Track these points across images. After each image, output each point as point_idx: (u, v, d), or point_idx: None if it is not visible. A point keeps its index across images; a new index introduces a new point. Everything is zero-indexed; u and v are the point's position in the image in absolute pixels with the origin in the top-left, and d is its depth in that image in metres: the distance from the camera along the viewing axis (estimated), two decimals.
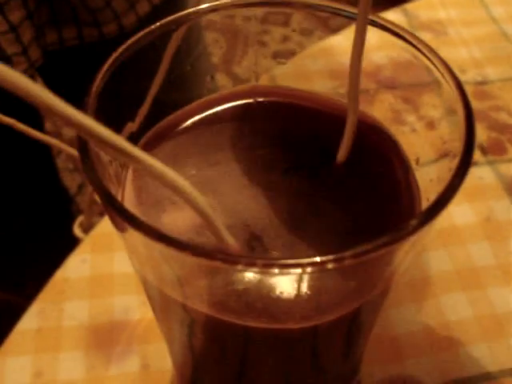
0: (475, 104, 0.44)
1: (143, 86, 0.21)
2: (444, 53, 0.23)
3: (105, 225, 0.37)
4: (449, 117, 0.22)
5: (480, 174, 0.39)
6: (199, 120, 0.20)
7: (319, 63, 0.39)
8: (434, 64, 0.20)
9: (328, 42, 0.50)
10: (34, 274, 0.75)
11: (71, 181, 1.37)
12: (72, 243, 0.40)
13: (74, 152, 0.35)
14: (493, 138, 0.41)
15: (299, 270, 0.12)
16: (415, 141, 0.25)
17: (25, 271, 0.80)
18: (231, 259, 0.12)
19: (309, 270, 0.12)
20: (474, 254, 0.34)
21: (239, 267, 0.12)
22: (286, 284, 0.13)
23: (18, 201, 0.71)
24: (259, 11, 0.25)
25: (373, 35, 0.27)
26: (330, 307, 0.14)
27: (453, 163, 0.16)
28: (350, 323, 0.16)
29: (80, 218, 0.41)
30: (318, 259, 0.12)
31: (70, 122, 0.13)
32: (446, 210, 0.38)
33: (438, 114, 0.24)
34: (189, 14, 0.20)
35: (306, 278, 0.13)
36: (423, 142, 0.24)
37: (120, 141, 0.13)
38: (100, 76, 0.16)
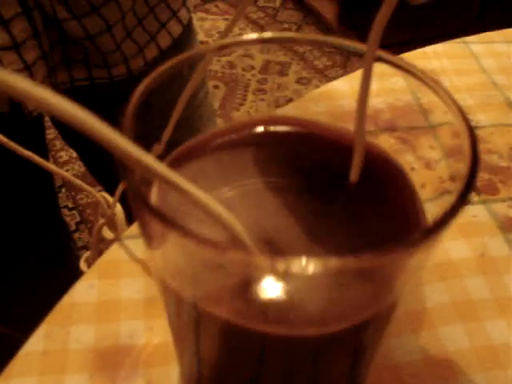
0: None
1: (167, 112, 0.23)
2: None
3: (112, 252, 0.38)
4: (447, 158, 0.24)
5: (474, 213, 0.40)
6: (218, 145, 0.22)
7: (320, 106, 0.41)
8: (440, 96, 0.21)
9: (326, 87, 0.53)
10: (33, 307, 0.75)
11: (70, 219, 1.38)
12: (71, 278, 0.40)
13: (75, 180, 0.36)
14: (486, 179, 0.43)
15: (320, 267, 0.13)
16: (415, 178, 0.26)
17: (24, 305, 0.80)
18: (257, 257, 0.13)
19: (328, 266, 0.13)
20: (470, 288, 0.35)
21: (265, 263, 0.13)
22: (305, 288, 0.15)
23: (16, 235, 0.71)
24: (259, 61, 0.27)
25: (372, 81, 0.29)
26: (346, 315, 0.15)
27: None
28: (361, 333, 0.17)
29: (86, 254, 0.42)
30: (337, 257, 0.13)
31: (109, 144, 0.14)
32: (443, 246, 0.39)
33: (436, 156, 0.25)
34: (210, 48, 0.21)
35: (323, 281, 0.14)
36: (422, 179, 0.26)
37: (155, 161, 0.14)
38: (134, 100, 0.18)
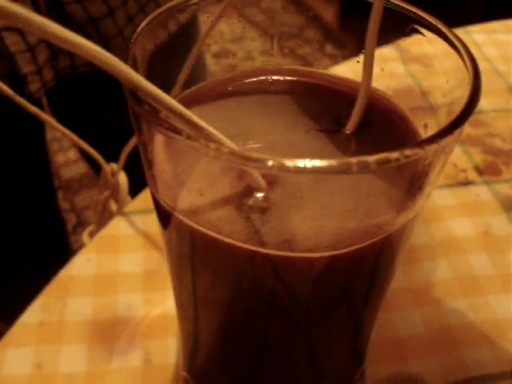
0: (471, 131, 0.46)
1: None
2: (435, 82, 0.25)
3: (113, 226, 0.37)
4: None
5: (477, 192, 0.40)
6: (226, 89, 0.21)
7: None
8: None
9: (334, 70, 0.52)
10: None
11: (67, 221, 1.37)
12: None
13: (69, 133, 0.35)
14: (488, 160, 0.43)
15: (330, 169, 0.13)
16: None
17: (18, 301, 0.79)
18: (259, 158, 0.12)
19: (337, 170, 0.13)
20: (474, 264, 0.35)
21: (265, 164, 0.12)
22: (311, 199, 0.14)
23: (15, 237, 0.71)
24: (259, 65, 0.26)
25: (374, 66, 0.29)
26: (355, 233, 0.15)
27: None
28: (373, 257, 0.17)
29: (90, 227, 0.42)
30: (346, 159, 0.12)
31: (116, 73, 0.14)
32: (446, 223, 0.39)
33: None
34: None
35: (332, 187, 0.14)
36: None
37: (164, 95, 0.14)
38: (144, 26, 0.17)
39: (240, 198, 0.15)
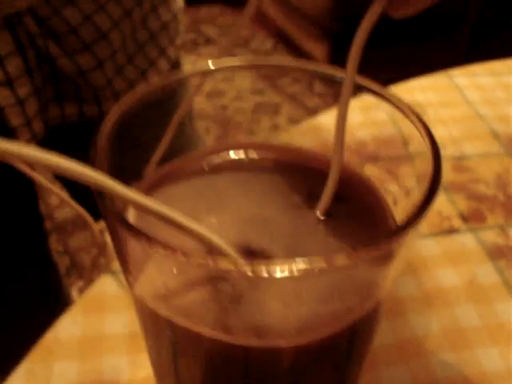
0: (455, 177, 0.46)
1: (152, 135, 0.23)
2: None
3: (98, 286, 0.37)
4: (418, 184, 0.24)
5: (462, 240, 0.40)
6: (201, 166, 0.22)
7: (306, 138, 0.42)
8: (409, 118, 0.22)
9: (313, 121, 0.53)
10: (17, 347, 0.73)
11: (60, 263, 1.37)
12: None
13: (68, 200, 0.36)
14: (473, 207, 0.43)
15: (294, 269, 0.13)
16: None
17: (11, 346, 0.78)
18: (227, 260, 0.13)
19: (300, 268, 0.13)
20: (460, 316, 0.35)
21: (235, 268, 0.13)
22: (280, 295, 0.14)
23: (6, 278, 0.71)
24: (251, 102, 0.27)
25: (356, 114, 0.30)
26: (322, 323, 0.15)
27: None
28: (347, 338, 0.17)
29: (79, 283, 0.42)
30: (314, 258, 0.13)
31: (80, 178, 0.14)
32: (432, 274, 0.39)
33: (412, 183, 0.25)
34: (193, 74, 0.22)
35: (298, 286, 0.14)
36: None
37: (129, 191, 0.14)
38: (110, 121, 0.18)
39: (209, 293, 0.15)
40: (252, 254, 0.16)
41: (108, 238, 0.40)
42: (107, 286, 0.37)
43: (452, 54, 2.12)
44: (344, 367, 0.19)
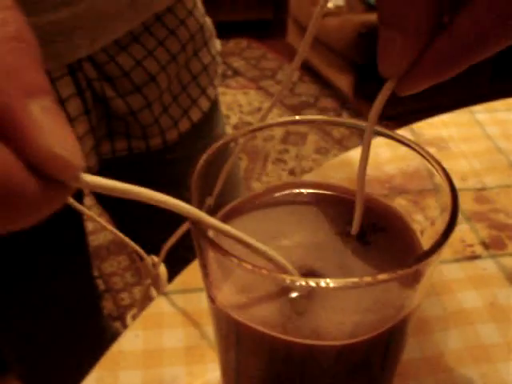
0: (476, 207, 0.50)
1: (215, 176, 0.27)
2: (446, 164, 0.29)
3: (154, 306, 0.42)
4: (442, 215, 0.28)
5: (484, 266, 0.44)
6: (261, 202, 0.26)
7: (339, 173, 0.46)
8: (432, 165, 0.26)
9: (344, 156, 0.58)
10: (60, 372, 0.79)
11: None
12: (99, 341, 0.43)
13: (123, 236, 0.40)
14: (493, 235, 0.47)
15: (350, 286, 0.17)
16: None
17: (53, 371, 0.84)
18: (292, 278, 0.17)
19: (351, 284, 0.17)
20: (482, 334, 0.39)
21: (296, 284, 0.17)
22: (336, 305, 0.19)
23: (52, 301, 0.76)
24: (279, 131, 0.32)
25: (385, 150, 0.34)
26: (367, 328, 0.19)
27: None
28: (384, 342, 0.21)
29: (133, 311, 0.47)
30: (364, 278, 0.17)
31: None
32: (456, 296, 0.43)
33: (436, 214, 0.29)
34: (253, 129, 0.26)
35: (350, 297, 0.18)
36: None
37: (219, 223, 0.19)
38: (199, 165, 0.23)
39: (279, 301, 0.19)
40: (309, 273, 0.21)
41: (160, 270, 0.45)
42: (162, 306, 0.42)
43: (475, 85, 2.16)
44: (381, 368, 0.23)
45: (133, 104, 0.61)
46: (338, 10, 2.58)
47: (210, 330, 0.40)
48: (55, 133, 0.12)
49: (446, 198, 0.25)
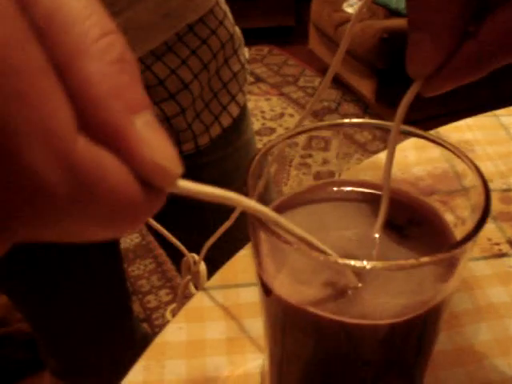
0: (502, 207, 0.52)
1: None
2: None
3: (195, 301, 0.44)
4: (473, 214, 0.30)
5: (510, 263, 0.45)
6: (309, 198, 0.29)
7: (368, 175, 0.48)
8: (464, 162, 0.28)
9: (371, 159, 0.60)
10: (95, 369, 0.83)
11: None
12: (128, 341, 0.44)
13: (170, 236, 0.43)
14: None
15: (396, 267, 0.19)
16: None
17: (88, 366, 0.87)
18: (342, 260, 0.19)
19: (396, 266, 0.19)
20: (510, 326, 0.40)
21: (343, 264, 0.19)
22: (382, 286, 0.21)
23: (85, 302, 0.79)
24: (303, 137, 0.33)
25: (413, 153, 0.36)
26: (409, 309, 0.21)
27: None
28: (422, 324, 0.23)
29: (172, 306, 0.49)
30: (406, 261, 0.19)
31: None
32: (484, 292, 0.45)
33: (466, 213, 0.31)
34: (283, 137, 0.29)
35: (394, 279, 0.21)
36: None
37: (274, 214, 0.21)
38: (253, 164, 0.25)
39: (328, 284, 0.22)
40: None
41: (200, 267, 0.47)
42: (203, 300, 0.44)
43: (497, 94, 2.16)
44: (417, 350, 0.25)
45: (167, 111, 0.64)
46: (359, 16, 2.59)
47: (249, 323, 0.42)
48: (157, 144, 0.14)
49: (477, 196, 0.27)
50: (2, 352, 1.30)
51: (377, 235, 0.26)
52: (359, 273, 0.21)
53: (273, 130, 2.36)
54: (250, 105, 2.58)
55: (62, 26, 0.12)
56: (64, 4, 0.12)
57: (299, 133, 0.30)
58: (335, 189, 0.29)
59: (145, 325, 1.55)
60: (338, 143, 0.38)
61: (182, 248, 0.45)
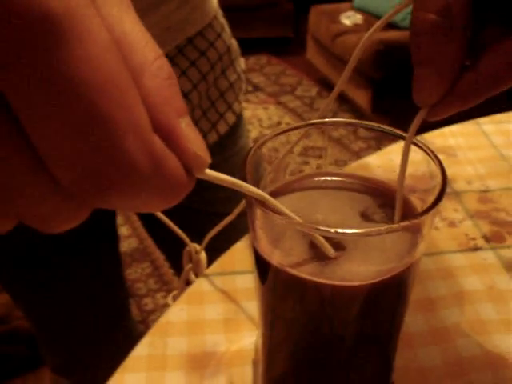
0: (480, 206, 0.56)
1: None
2: (453, 169, 0.34)
3: (197, 286, 0.48)
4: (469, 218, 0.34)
5: (484, 256, 0.50)
6: (300, 185, 0.33)
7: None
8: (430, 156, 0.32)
9: (361, 161, 0.64)
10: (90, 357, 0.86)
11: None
12: (127, 339, 0.47)
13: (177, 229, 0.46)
14: (494, 230, 0.53)
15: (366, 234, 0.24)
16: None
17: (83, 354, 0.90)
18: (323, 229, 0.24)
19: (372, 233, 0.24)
20: (481, 312, 0.44)
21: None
22: (360, 251, 0.25)
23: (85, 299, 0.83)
24: (299, 146, 0.37)
25: (398, 157, 0.40)
26: (384, 271, 0.26)
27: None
28: (395, 287, 0.27)
29: (174, 292, 0.53)
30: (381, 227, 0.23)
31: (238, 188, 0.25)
32: (459, 280, 0.49)
33: (459, 216, 0.35)
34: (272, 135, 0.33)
35: (370, 244, 0.25)
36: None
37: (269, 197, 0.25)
38: (251, 154, 0.29)
39: (308, 252, 0.26)
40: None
41: (201, 256, 0.51)
42: (203, 285, 0.48)
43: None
44: (390, 318, 0.29)
45: None
46: (356, 28, 2.65)
47: (245, 305, 0.46)
48: (195, 140, 0.19)
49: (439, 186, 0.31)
50: (2, 348, 1.33)
51: (357, 219, 0.30)
52: (340, 241, 0.26)
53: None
54: (248, 113, 2.63)
55: (129, 50, 0.17)
56: (128, 34, 0.17)
57: (295, 128, 0.34)
58: (324, 178, 0.33)
59: (142, 326, 1.58)
60: (332, 152, 0.42)
61: (185, 237, 0.49)
